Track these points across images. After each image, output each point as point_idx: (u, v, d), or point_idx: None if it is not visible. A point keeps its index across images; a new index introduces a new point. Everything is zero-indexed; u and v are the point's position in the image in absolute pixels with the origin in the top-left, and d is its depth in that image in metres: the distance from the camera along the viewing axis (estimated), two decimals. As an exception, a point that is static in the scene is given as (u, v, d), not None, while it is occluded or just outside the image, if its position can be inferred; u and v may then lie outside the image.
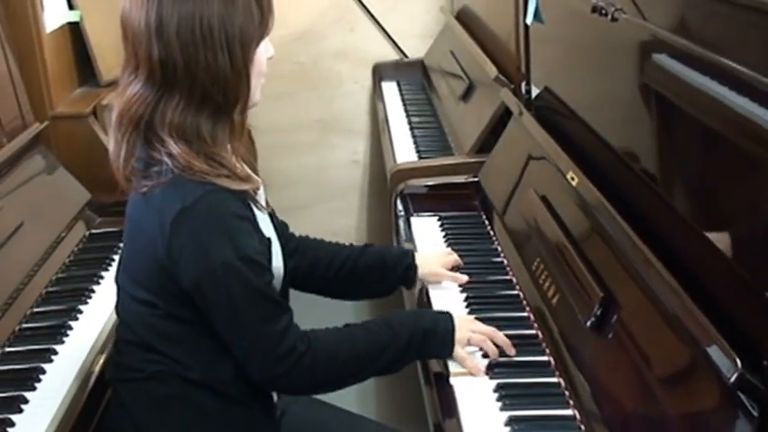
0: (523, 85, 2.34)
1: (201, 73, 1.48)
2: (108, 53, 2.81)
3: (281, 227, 1.76)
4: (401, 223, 2.35)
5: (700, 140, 1.48)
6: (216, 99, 1.51)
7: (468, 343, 1.66)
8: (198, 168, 1.50)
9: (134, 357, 1.62)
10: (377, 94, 3.58)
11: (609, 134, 1.86)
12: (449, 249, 2.08)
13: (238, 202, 1.54)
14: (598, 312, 1.53)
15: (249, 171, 1.64)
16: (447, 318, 1.67)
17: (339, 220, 3.99)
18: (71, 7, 2.74)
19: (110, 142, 1.59)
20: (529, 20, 2.08)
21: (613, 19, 1.58)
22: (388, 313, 1.68)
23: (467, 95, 2.81)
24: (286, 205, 3.97)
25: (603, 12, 1.59)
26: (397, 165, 2.55)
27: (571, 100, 2.08)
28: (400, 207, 2.39)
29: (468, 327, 1.68)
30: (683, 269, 1.42)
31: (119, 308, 1.69)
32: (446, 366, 1.66)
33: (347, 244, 1.93)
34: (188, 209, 1.48)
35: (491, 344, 1.67)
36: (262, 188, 1.66)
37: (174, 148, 1.50)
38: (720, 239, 1.38)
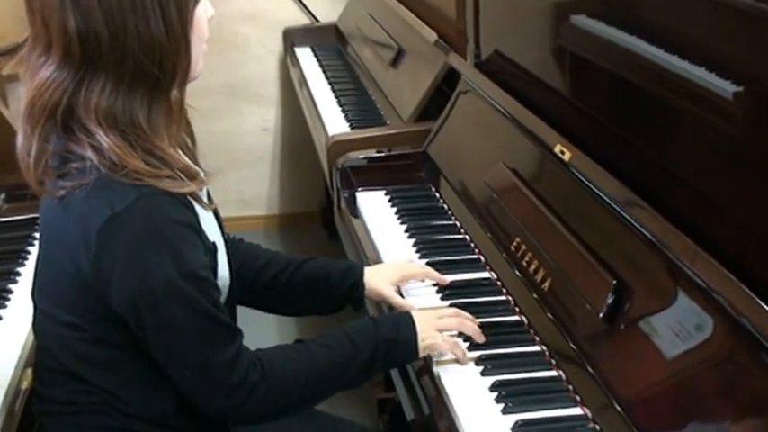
0: (470, 48, 2.09)
1: (132, 44, 1.19)
2: (2, 17, 2.40)
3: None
4: (344, 198, 2.09)
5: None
6: (151, 73, 1.21)
7: (441, 331, 1.42)
8: (133, 167, 1.20)
9: (61, 389, 1.33)
10: (290, 59, 3.27)
11: (581, 99, 1.64)
12: (411, 261, 1.73)
13: (179, 204, 1.25)
14: (610, 300, 1.31)
15: (189, 161, 1.36)
16: (408, 320, 1.41)
17: (250, 189, 3.74)
18: (-41, -33, 2.32)
19: (18, 136, 1.27)
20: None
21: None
22: (347, 325, 1.40)
23: (396, 61, 2.54)
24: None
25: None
26: (333, 136, 2.27)
27: (529, 62, 1.85)
28: (342, 182, 2.12)
29: (432, 321, 1.43)
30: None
31: (37, 330, 1.38)
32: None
33: (287, 254, 1.62)
34: (118, 216, 1.19)
35: (468, 323, 1.44)
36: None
37: (105, 140, 1.20)
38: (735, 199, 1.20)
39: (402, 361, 1.44)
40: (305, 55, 3.22)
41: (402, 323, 1.41)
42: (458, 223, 1.89)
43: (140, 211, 1.20)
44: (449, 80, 2.25)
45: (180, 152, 1.36)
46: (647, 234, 1.31)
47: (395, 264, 1.69)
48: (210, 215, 1.37)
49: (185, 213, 1.25)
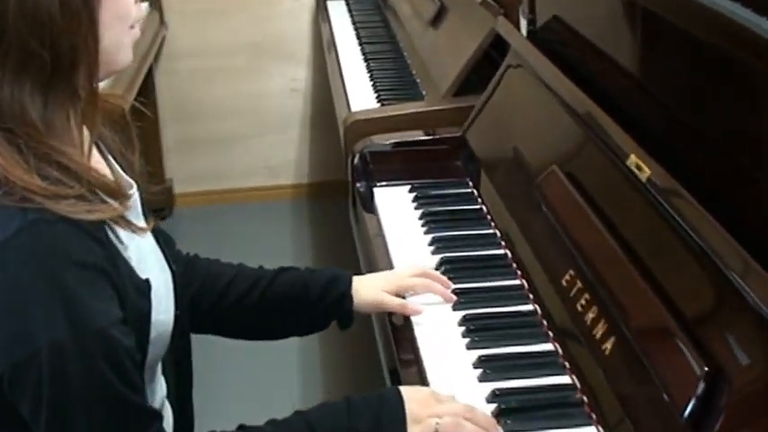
0: (523, 11, 1.66)
1: (13, 17, 0.87)
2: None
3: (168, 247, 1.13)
4: (360, 194, 1.70)
5: None
6: (40, 57, 0.88)
7: None
8: (22, 182, 0.87)
9: None
10: (321, 14, 2.87)
11: (670, 92, 1.22)
12: (420, 266, 1.37)
13: (83, 237, 0.90)
14: (699, 393, 0.91)
15: (119, 171, 1.02)
16: (394, 406, 1.03)
17: (277, 154, 3.39)
18: None
19: None
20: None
21: None
22: (313, 408, 1.05)
23: (437, 20, 2.12)
24: (218, 138, 3.37)
25: None
26: (353, 114, 1.87)
27: (598, 35, 1.42)
28: (359, 171, 1.73)
29: (428, 411, 1.04)
30: None
31: None
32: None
33: (257, 267, 1.30)
34: None
35: (470, 426, 1.03)
36: (136, 194, 1.03)
37: None
38: None
39: None
40: (337, 9, 2.82)
41: (385, 411, 1.02)
42: (497, 232, 1.50)
43: (24, 247, 0.87)
44: (498, 45, 1.83)
45: (111, 159, 1.02)
46: (758, 300, 0.90)
47: (390, 273, 1.37)
48: (146, 241, 1.01)
49: (92, 250, 0.90)
